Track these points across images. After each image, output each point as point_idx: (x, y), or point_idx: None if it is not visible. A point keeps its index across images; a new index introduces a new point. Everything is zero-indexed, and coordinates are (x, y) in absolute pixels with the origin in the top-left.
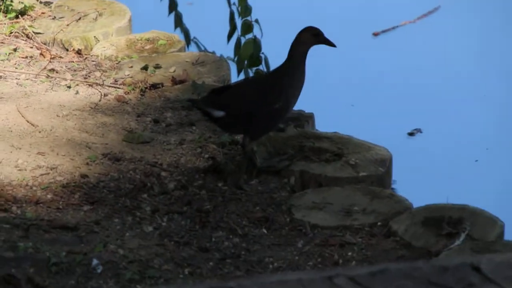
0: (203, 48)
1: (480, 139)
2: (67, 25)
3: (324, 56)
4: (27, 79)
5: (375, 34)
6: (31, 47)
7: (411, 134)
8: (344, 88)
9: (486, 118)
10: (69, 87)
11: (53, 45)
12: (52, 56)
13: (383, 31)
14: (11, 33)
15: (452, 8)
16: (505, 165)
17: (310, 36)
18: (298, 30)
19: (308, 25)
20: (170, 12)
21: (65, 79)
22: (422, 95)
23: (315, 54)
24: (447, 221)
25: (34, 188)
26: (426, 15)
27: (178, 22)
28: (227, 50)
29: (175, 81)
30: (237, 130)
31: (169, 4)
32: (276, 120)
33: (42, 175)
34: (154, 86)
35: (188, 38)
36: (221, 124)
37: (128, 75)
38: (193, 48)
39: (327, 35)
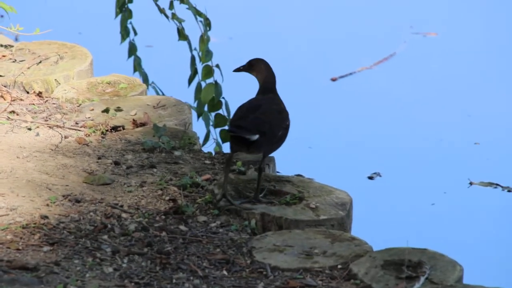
0: (161, 93)
1: (438, 183)
2: (28, 68)
3: (285, 100)
4: None
5: (333, 79)
6: None
7: (370, 178)
8: (303, 131)
9: (443, 162)
10: (30, 129)
11: (14, 87)
12: (13, 99)
13: (341, 77)
14: None
15: (407, 54)
16: (462, 209)
17: None
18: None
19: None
20: (129, 56)
21: (26, 121)
22: (380, 139)
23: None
24: (407, 265)
25: None
26: (382, 61)
27: (137, 66)
28: (187, 93)
29: (136, 124)
30: (265, 149)
31: (129, 48)
32: (286, 135)
33: (1, 216)
34: (115, 128)
35: (146, 82)
36: (254, 146)
37: (89, 117)
38: (151, 92)
39: (286, 80)
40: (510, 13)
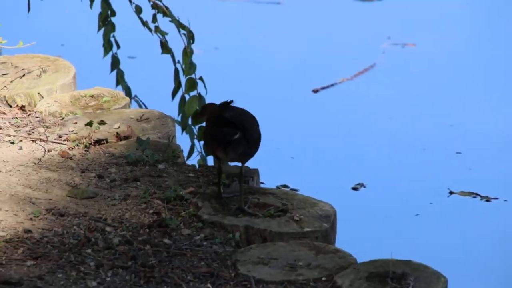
0: (143, 106)
1: (422, 193)
2: (11, 81)
3: (267, 111)
4: None
5: (315, 91)
6: None
7: (355, 188)
8: (287, 142)
9: (426, 172)
10: (13, 142)
11: None
12: None
13: (323, 88)
14: None
15: (387, 65)
16: (445, 219)
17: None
18: (241, 87)
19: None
20: (112, 69)
21: (9, 135)
22: (364, 149)
23: (260, 108)
24: (391, 276)
25: None
26: (363, 72)
27: (120, 79)
28: (171, 106)
29: (119, 137)
30: (242, 150)
31: (112, 61)
32: (260, 143)
33: None
34: (98, 142)
35: (129, 95)
36: (233, 145)
37: (72, 131)
38: (135, 105)
39: (269, 92)
40: (488, 23)
